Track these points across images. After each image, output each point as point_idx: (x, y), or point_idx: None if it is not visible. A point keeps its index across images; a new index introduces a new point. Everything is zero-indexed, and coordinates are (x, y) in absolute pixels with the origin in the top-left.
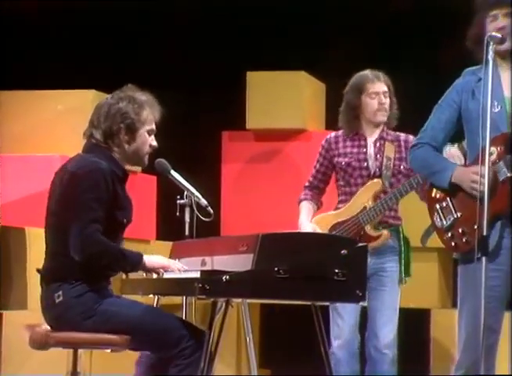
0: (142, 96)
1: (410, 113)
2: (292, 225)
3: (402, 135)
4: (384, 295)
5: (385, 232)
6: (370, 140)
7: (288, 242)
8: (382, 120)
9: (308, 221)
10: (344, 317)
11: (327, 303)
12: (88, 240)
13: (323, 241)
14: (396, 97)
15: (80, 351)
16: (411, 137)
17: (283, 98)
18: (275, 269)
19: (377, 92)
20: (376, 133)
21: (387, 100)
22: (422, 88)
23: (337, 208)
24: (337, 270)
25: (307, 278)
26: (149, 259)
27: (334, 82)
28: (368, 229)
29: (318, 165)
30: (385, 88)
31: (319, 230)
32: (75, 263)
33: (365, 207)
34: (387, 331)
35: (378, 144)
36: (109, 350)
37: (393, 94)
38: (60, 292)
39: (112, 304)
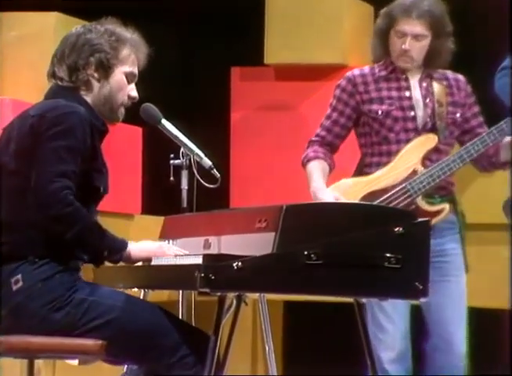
0: (126, 33)
1: None
2: None
3: (449, 73)
4: (450, 288)
5: (446, 206)
6: (414, 79)
7: (322, 216)
8: (404, 67)
9: (326, 188)
10: (394, 320)
11: (375, 299)
12: (55, 196)
13: (370, 215)
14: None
15: (37, 362)
16: (460, 76)
17: (315, 23)
18: (305, 252)
19: (405, 32)
20: (419, 69)
21: (417, 45)
22: None
23: (364, 173)
24: (388, 255)
25: (347, 265)
26: (136, 249)
27: (386, 3)
28: (420, 201)
29: (336, 115)
30: (418, 30)
31: (343, 200)
32: (39, 235)
33: (415, 172)
34: (461, 337)
35: (425, 84)
36: (75, 362)
37: (444, 35)
38: (19, 276)
39: (90, 292)
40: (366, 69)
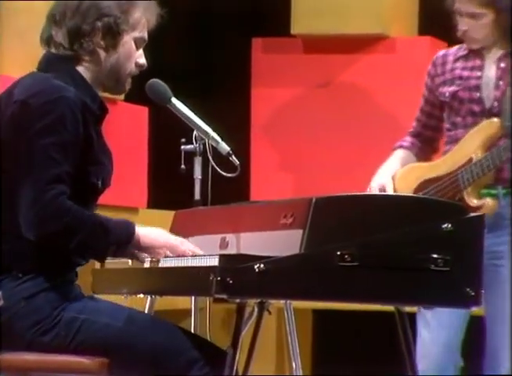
0: None
1: None
2: (363, 186)
3: None
4: (504, 297)
5: (490, 201)
6: (491, 58)
7: (358, 210)
8: (470, 47)
9: (386, 174)
10: (433, 328)
11: (420, 308)
12: (47, 209)
13: (414, 209)
14: None
15: None
16: None
17: None
18: (338, 253)
19: (460, 11)
20: (499, 47)
21: (475, 24)
22: None
23: None
24: (435, 256)
25: (387, 268)
26: (145, 233)
27: None
28: (468, 193)
29: (423, 103)
30: (472, 9)
31: (389, 189)
32: (29, 246)
33: (470, 160)
34: (508, 357)
35: (503, 64)
36: None
37: (506, 9)
38: (0, 293)
39: (82, 309)
40: (454, 48)
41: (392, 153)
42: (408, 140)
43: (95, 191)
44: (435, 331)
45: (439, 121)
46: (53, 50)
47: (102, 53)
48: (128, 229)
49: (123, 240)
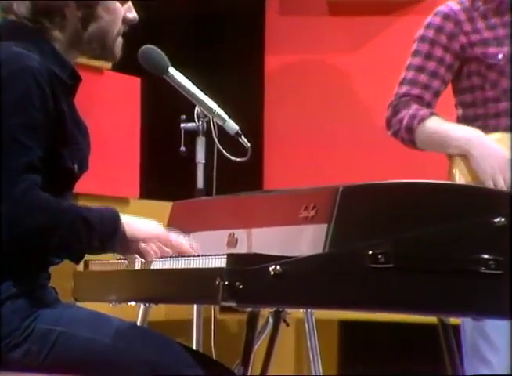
0: None
1: None
2: (396, 172)
3: None
4: None
5: None
6: None
7: (393, 202)
8: None
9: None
10: (499, 347)
11: (467, 318)
12: (20, 206)
13: (460, 199)
14: None
15: None
16: None
17: None
18: (369, 252)
19: None
20: None
21: None
22: None
23: None
24: (486, 256)
25: (429, 270)
26: (129, 222)
27: None
28: None
29: (433, 64)
30: None
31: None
32: None
33: None
34: None
35: None
36: None
37: None
38: None
39: (59, 319)
40: (465, 1)
41: (432, 122)
42: (428, 109)
43: (70, 177)
44: (504, 352)
45: (445, 89)
46: (13, 18)
47: (78, 24)
48: (113, 219)
49: (108, 233)
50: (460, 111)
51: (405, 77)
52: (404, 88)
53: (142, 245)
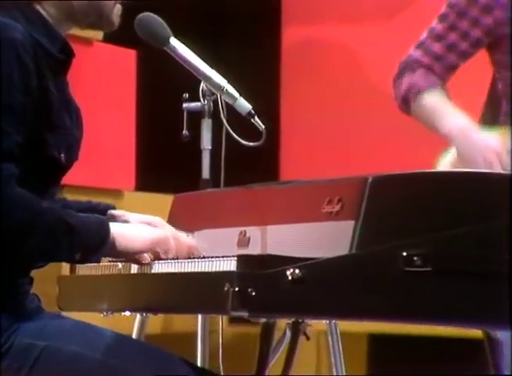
0: None
1: None
2: (427, 161)
3: None
4: None
5: None
6: None
7: (432, 194)
8: None
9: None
10: None
11: None
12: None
13: (510, 191)
14: None
15: None
16: None
17: None
18: (404, 254)
19: None
20: None
21: None
22: None
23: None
24: None
25: (474, 274)
26: (121, 232)
27: None
28: None
29: (454, 36)
30: None
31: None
32: None
33: None
34: None
35: None
36: None
37: None
38: None
39: (42, 332)
40: None
41: (431, 97)
42: (433, 78)
43: (56, 168)
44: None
45: (464, 63)
46: None
47: None
48: (101, 228)
49: (93, 245)
50: (495, 87)
51: (423, 41)
52: (417, 53)
53: (136, 257)
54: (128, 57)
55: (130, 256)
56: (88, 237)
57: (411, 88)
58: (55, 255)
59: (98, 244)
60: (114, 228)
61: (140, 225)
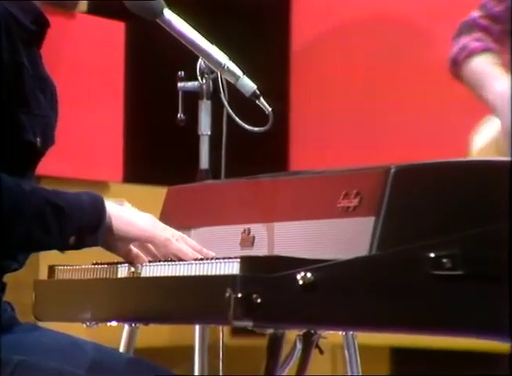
0: None
1: None
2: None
3: None
4: None
5: None
6: None
7: (463, 187)
8: None
9: None
10: None
11: None
12: None
13: None
14: None
15: None
16: None
17: None
18: (431, 255)
19: None
20: None
21: None
22: None
23: None
24: None
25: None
26: (119, 214)
27: None
28: None
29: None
30: None
31: None
32: None
33: None
34: None
35: None
36: None
37: None
38: None
39: (17, 345)
40: None
41: (481, 59)
42: (489, 41)
43: (31, 153)
44: None
45: None
46: None
47: None
48: (96, 207)
49: (88, 226)
50: None
51: (485, 2)
52: (476, 14)
53: (133, 247)
54: (115, 30)
55: (125, 246)
56: (80, 218)
57: (462, 50)
58: (46, 243)
59: (94, 223)
60: (111, 207)
61: (143, 213)
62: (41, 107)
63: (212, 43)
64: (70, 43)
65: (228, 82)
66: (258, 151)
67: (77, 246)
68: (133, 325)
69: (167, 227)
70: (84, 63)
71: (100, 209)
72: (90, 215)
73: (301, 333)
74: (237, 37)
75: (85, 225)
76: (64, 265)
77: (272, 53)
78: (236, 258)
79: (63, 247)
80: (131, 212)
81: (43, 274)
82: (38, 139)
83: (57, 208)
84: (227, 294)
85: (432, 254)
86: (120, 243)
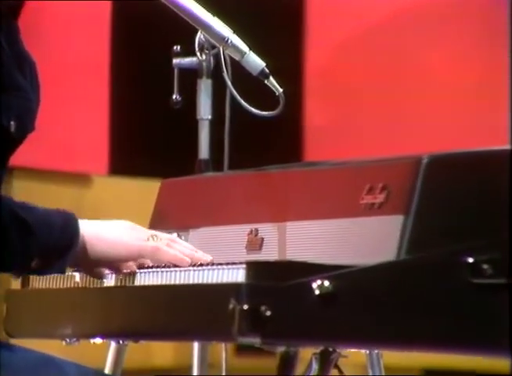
0: None
1: None
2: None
3: None
4: None
5: None
6: None
7: (504, 179)
8: None
9: None
10: None
11: None
12: None
13: None
14: None
15: None
16: None
17: None
18: (470, 260)
19: None
20: None
21: None
22: None
23: None
24: None
25: None
26: (96, 231)
27: None
28: None
29: None
30: None
31: None
32: None
33: None
34: None
35: None
36: None
37: None
38: None
39: None
40: None
41: None
42: None
43: (5, 141)
44: None
45: None
46: None
47: None
48: (68, 225)
49: (55, 248)
50: None
51: None
52: None
53: (114, 266)
54: (101, 8)
55: (106, 265)
56: (48, 238)
57: None
58: (6, 263)
59: (62, 246)
60: (86, 226)
61: (121, 224)
62: (20, 87)
63: (214, 15)
64: (50, 21)
65: (232, 59)
66: (267, 139)
67: (40, 270)
68: (120, 342)
69: (152, 231)
70: (66, 40)
71: (72, 230)
72: (58, 236)
73: (318, 351)
74: (242, 9)
75: (51, 247)
76: None
77: (283, 26)
78: (241, 263)
79: (22, 270)
80: (111, 229)
81: (15, 283)
82: (13, 124)
83: (24, 225)
84: (231, 306)
85: (471, 260)
86: (96, 265)
